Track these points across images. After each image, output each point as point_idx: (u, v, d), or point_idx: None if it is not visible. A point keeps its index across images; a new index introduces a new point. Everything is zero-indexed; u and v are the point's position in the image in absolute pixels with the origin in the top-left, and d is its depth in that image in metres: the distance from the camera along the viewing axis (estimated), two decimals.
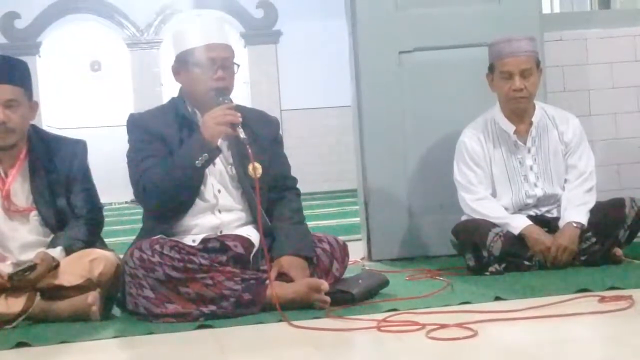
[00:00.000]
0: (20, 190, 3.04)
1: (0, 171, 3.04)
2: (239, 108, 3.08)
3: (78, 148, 3.16)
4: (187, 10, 11.38)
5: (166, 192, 2.90)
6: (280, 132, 3.31)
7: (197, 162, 2.86)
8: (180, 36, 3.14)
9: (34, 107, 3.09)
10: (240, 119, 2.90)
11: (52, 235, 3.03)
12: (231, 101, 2.98)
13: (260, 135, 3.10)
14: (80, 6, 11.54)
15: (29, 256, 2.95)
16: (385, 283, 3.11)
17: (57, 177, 3.07)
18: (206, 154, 2.86)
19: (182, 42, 3.07)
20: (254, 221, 2.99)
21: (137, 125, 3.04)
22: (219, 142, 2.98)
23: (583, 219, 3.44)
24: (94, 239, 3.10)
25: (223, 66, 3.00)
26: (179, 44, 3.08)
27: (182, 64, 3.05)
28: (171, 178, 2.88)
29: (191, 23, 3.86)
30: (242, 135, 2.89)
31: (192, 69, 3.01)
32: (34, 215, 3.04)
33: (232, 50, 3.08)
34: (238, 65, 3.08)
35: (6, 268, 2.83)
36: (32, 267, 2.81)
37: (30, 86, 3.08)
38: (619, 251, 3.46)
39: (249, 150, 2.86)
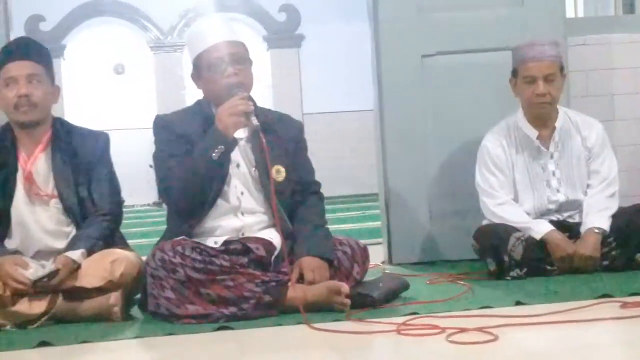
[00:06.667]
0: (42, 174, 3.06)
1: (23, 153, 3.07)
2: (263, 110, 3.11)
3: (100, 139, 3.20)
4: (210, 13, 11.43)
5: (186, 187, 2.90)
6: (305, 135, 3.31)
7: (213, 154, 2.85)
8: (190, 44, 3.19)
9: (55, 91, 3.15)
10: (253, 107, 2.91)
11: (72, 226, 3.05)
12: (244, 92, 2.97)
13: (284, 138, 3.11)
14: (104, 9, 11.63)
15: (49, 243, 3.01)
16: (406, 286, 3.10)
17: (79, 166, 3.09)
18: (222, 146, 2.86)
19: (192, 49, 3.11)
20: (278, 223, 2.99)
21: (163, 126, 3.06)
22: (243, 143, 3.01)
23: (605, 224, 3.42)
24: (113, 235, 3.13)
25: (233, 62, 3.00)
26: (191, 52, 3.13)
27: (197, 71, 3.09)
28: (190, 173, 2.89)
29: (197, 28, 3.88)
30: (255, 122, 2.89)
31: (206, 74, 3.04)
32: (55, 203, 3.06)
33: (240, 45, 3.07)
34: (250, 61, 3.08)
35: (29, 274, 2.86)
36: (54, 273, 2.83)
37: (51, 69, 3.15)
38: None
39: (263, 140, 2.87)
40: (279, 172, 3.00)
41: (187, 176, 2.89)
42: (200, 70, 3.06)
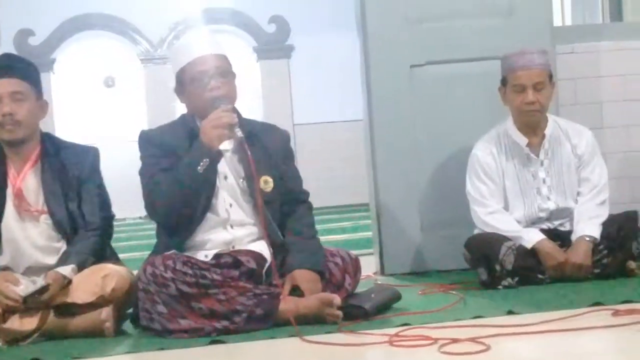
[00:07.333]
0: (32, 190, 3.05)
1: (13, 169, 3.06)
2: (249, 121, 3.12)
3: (90, 153, 3.20)
4: (200, 25, 11.43)
5: (172, 202, 2.90)
6: (292, 145, 3.31)
7: (198, 167, 2.85)
8: (173, 57, 3.20)
9: (43, 106, 3.14)
10: (237, 119, 2.92)
11: (62, 241, 3.04)
12: (228, 104, 2.98)
13: (271, 148, 3.11)
14: (94, 23, 11.60)
15: (40, 259, 3.00)
16: (398, 297, 3.10)
17: (68, 181, 3.08)
18: (207, 159, 2.86)
19: (175, 64, 3.11)
20: (267, 235, 2.98)
21: (148, 141, 3.07)
22: (229, 155, 3.01)
23: (595, 232, 3.43)
24: (104, 250, 3.12)
25: (216, 75, 3.01)
26: (174, 66, 3.13)
27: (180, 84, 3.09)
28: (175, 187, 2.88)
29: (179, 43, 3.90)
30: (239, 134, 2.90)
31: (190, 87, 3.04)
32: (45, 219, 3.05)
33: (223, 58, 3.08)
34: (234, 74, 3.09)
35: (19, 290, 2.84)
36: (44, 289, 2.82)
37: (38, 84, 3.13)
38: (632, 264, 3.44)
39: (249, 152, 2.88)
40: (266, 183, 3.01)
41: (173, 190, 2.89)
42: (184, 84, 3.06)
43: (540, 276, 3.39)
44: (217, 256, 2.94)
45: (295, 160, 3.30)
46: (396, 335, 2.54)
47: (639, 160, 4.41)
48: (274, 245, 2.97)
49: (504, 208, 3.58)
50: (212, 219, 3.00)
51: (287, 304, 2.81)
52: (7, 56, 3.25)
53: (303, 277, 2.90)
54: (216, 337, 2.71)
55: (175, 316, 2.77)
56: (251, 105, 9.62)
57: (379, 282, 3.74)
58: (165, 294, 2.77)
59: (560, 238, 3.50)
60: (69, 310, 2.89)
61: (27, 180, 3.05)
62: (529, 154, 3.58)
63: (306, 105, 11.44)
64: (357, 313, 2.85)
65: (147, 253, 3.13)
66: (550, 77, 3.56)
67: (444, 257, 4.01)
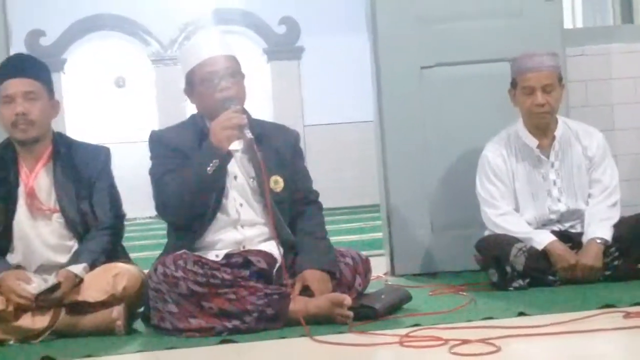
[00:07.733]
0: (44, 189, 3.07)
1: (25, 168, 3.08)
2: (258, 122, 3.12)
3: (101, 153, 3.21)
4: (210, 26, 11.46)
5: (182, 202, 2.91)
6: (302, 145, 3.31)
7: (208, 168, 2.86)
8: (183, 58, 3.22)
9: (55, 105, 3.15)
10: (246, 120, 2.93)
11: (74, 240, 3.06)
12: (237, 105, 2.99)
13: (280, 148, 3.12)
14: (104, 23, 11.64)
15: (51, 258, 3.02)
16: (408, 298, 3.10)
17: (80, 180, 3.09)
18: (216, 160, 2.87)
19: (185, 64, 3.13)
20: (276, 236, 2.99)
21: (158, 142, 3.08)
22: (239, 155, 3.02)
23: (607, 234, 3.42)
24: (115, 249, 3.13)
25: (225, 76, 3.02)
26: (183, 67, 3.14)
27: (189, 85, 3.10)
28: (185, 188, 2.89)
29: (189, 44, 3.92)
30: (249, 135, 2.91)
31: (198, 88, 3.05)
32: (57, 218, 3.06)
33: (233, 58, 3.09)
34: (243, 74, 3.10)
35: (31, 288, 2.86)
36: (56, 287, 2.84)
37: (50, 84, 3.15)
38: None
39: (258, 153, 2.90)
40: (277, 183, 3.03)
41: (182, 191, 2.90)
42: (193, 84, 3.08)
43: (551, 278, 3.39)
44: (227, 256, 2.95)
45: (305, 161, 3.30)
46: (406, 335, 2.55)
47: None
48: (284, 245, 2.98)
49: (514, 210, 3.57)
50: (222, 219, 3.01)
51: (298, 304, 2.82)
52: (19, 56, 3.28)
53: (313, 277, 2.91)
54: (227, 336, 2.72)
55: (186, 315, 2.78)
56: (261, 106, 9.64)
57: (390, 283, 3.74)
58: (176, 293, 2.78)
59: (571, 240, 3.49)
60: (80, 308, 2.90)
61: (39, 179, 3.07)
62: (539, 156, 3.58)
63: (316, 106, 11.45)
64: (368, 313, 2.85)
65: (157, 253, 3.14)
66: (560, 79, 3.56)
67: (454, 258, 4.01)
